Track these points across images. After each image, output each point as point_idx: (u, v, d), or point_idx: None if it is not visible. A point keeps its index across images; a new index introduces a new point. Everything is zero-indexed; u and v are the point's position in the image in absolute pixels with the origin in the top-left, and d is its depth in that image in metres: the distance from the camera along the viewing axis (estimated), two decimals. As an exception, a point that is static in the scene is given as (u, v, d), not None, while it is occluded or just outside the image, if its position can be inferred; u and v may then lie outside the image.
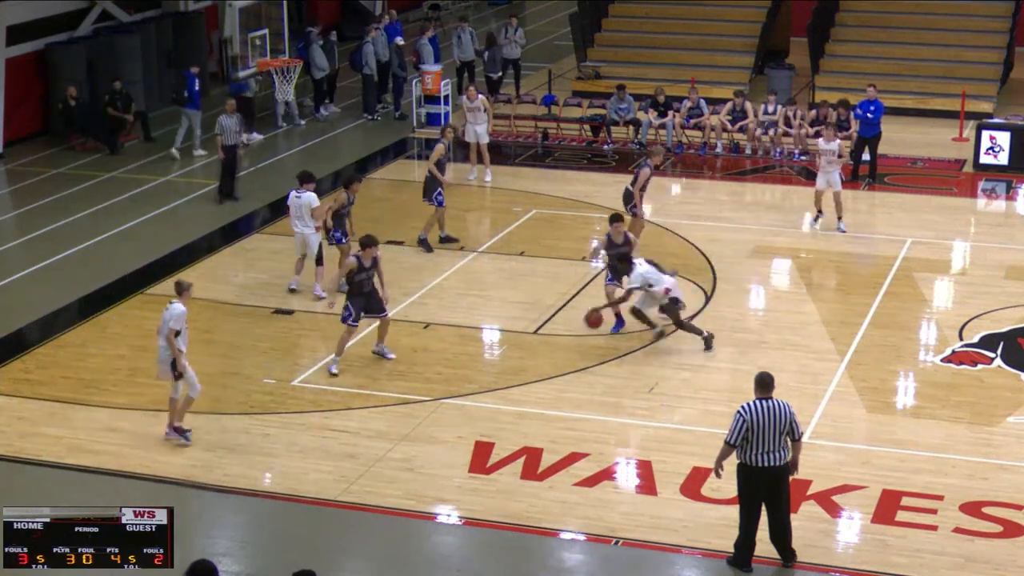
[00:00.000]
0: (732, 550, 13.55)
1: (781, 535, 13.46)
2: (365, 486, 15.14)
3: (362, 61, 31.11)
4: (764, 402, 13.04)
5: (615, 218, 19.28)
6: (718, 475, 13.52)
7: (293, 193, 20.39)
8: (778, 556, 13.54)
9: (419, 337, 19.05)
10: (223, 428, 16.64)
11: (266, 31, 29.07)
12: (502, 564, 13.96)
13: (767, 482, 13.15)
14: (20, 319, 19.88)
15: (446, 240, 22.72)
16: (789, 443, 13.17)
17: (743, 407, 13.07)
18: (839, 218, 23.18)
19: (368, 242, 17.78)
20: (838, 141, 23.25)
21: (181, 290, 15.92)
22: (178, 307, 15.71)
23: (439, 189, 22.33)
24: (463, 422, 16.63)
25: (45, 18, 29.32)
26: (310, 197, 20.20)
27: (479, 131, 26.55)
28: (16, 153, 28.36)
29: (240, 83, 29.18)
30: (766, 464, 13.03)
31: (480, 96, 26.93)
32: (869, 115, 25.98)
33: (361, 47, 31.31)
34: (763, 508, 13.35)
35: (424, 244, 22.55)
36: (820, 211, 23.48)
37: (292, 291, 20.58)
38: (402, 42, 32.17)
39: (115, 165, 27.71)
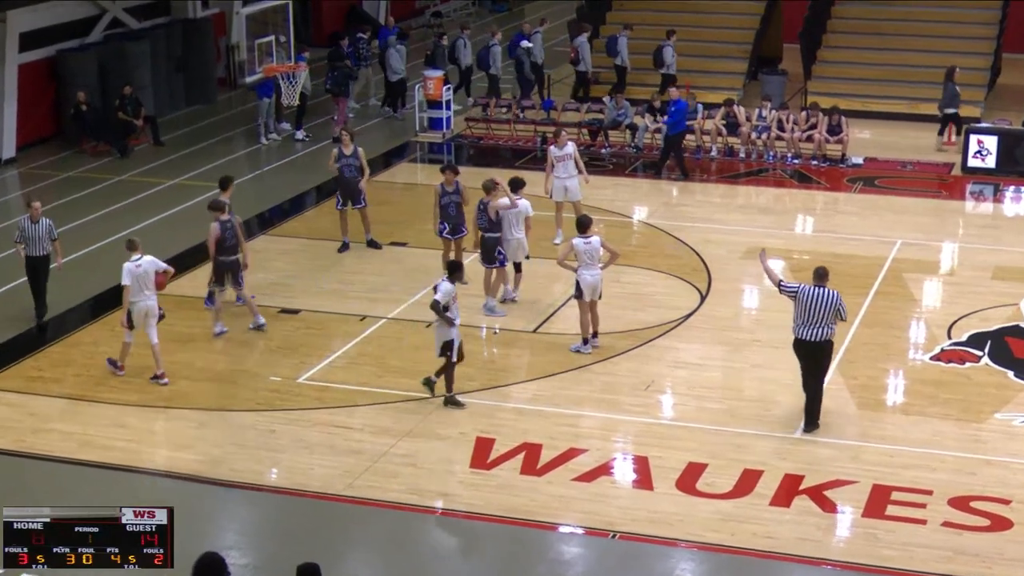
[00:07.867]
0: (731, 535, 14.11)
1: (812, 401, 16.16)
2: (369, 481, 15.33)
3: (490, 62, 32.22)
4: (817, 288, 16.00)
5: None
6: (764, 255, 17.30)
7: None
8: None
9: (421, 336, 19.15)
10: (231, 424, 16.87)
11: (272, 37, 29.35)
12: (502, 557, 14.19)
13: (809, 353, 16.01)
14: (34, 318, 20.08)
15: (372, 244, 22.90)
16: (837, 323, 16.08)
17: (803, 286, 16.07)
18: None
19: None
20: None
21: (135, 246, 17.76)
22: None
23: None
24: (464, 419, 16.82)
25: (57, 25, 29.47)
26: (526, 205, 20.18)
27: (570, 186, 22.59)
28: (29, 157, 28.52)
29: (263, 86, 29.41)
30: (808, 338, 15.96)
31: (570, 143, 23.08)
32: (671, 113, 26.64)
33: (489, 48, 32.29)
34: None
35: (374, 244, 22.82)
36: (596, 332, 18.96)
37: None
38: (529, 44, 32.31)
39: (125, 169, 27.90)
